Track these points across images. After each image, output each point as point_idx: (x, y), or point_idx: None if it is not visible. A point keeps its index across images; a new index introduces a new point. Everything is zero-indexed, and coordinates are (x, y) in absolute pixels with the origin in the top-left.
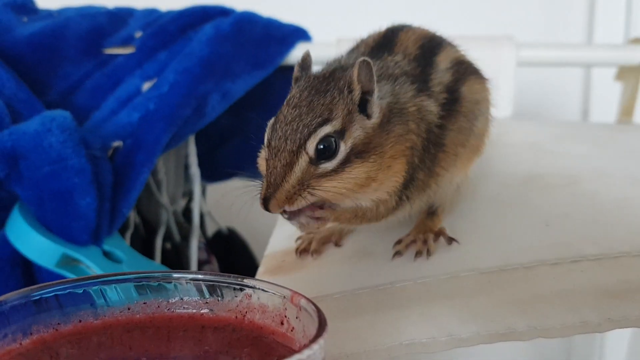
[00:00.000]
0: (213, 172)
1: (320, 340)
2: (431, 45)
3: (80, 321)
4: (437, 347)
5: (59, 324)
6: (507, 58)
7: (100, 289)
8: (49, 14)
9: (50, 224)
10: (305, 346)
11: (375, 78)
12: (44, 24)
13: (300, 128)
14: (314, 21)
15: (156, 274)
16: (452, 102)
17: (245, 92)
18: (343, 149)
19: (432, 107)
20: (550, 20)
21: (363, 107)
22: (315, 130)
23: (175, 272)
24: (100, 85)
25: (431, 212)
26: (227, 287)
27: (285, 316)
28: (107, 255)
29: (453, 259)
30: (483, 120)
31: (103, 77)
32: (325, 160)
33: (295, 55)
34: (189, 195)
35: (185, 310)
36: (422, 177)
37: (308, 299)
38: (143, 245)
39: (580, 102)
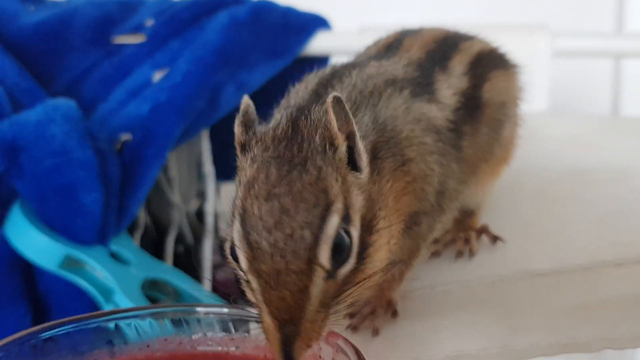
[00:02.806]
0: (228, 170)
1: None
2: (442, 50)
3: None
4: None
5: None
6: (542, 48)
7: (117, 325)
8: (56, 3)
9: (53, 221)
10: None
11: (351, 116)
12: (50, 12)
13: (297, 232)
14: (334, 9)
15: (177, 308)
16: (470, 108)
17: (262, 84)
18: (355, 235)
19: (434, 112)
20: (579, 9)
21: (348, 158)
22: (321, 229)
23: (198, 306)
24: (108, 76)
25: (469, 210)
26: (254, 321)
27: (320, 357)
28: (114, 256)
29: (500, 260)
30: (510, 126)
31: (112, 67)
32: (341, 263)
33: (315, 45)
34: (202, 195)
35: (209, 348)
36: (453, 185)
37: (346, 339)
38: (154, 247)
39: (611, 96)
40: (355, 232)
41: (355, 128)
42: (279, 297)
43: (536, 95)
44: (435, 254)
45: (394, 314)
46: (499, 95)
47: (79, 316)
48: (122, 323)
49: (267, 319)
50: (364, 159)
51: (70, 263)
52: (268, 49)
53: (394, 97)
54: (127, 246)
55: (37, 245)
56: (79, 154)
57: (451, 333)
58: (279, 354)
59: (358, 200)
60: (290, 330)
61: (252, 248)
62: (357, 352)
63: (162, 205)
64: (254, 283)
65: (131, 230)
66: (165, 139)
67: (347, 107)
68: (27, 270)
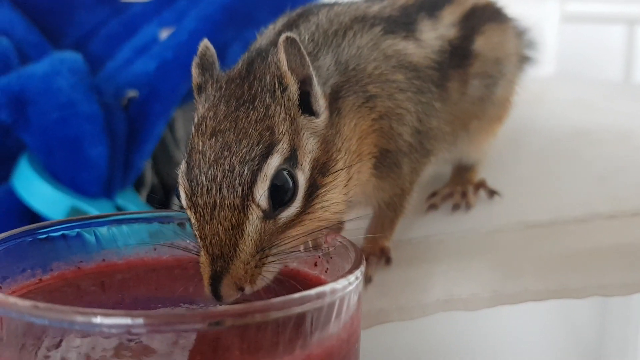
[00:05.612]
0: None
1: (357, 272)
2: (435, 1)
3: (103, 260)
4: (479, 304)
5: (81, 262)
6: (550, 12)
7: (125, 228)
8: None
9: (59, 174)
10: (342, 276)
11: (307, 60)
12: None
13: (237, 168)
14: None
15: (183, 214)
16: (458, 56)
17: None
18: (302, 179)
19: (411, 49)
20: None
21: (303, 101)
22: (259, 167)
23: None
24: (116, 34)
25: (467, 165)
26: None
27: (319, 257)
28: (119, 210)
29: (496, 213)
30: (505, 84)
31: (119, 25)
32: (284, 206)
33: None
34: None
35: None
36: (436, 124)
37: (343, 237)
38: (160, 207)
39: (624, 63)
40: (301, 175)
41: (313, 72)
42: (213, 232)
43: (544, 59)
44: (432, 207)
45: (388, 261)
46: (492, 50)
47: (91, 216)
48: (130, 226)
49: (203, 254)
50: (320, 104)
51: (75, 214)
52: (275, 8)
53: (360, 35)
54: (133, 201)
55: (43, 196)
56: (85, 107)
57: (443, 279)
58: (207, 288)
59: (310, 143)
60: (220, 266)
61: (191, 183)
62: (353, 245)
63: (169, 165)
64: (192, 218)
65: (138, 188)
66: (171, 96)
67: (302, 49)
68: (33, 221)
